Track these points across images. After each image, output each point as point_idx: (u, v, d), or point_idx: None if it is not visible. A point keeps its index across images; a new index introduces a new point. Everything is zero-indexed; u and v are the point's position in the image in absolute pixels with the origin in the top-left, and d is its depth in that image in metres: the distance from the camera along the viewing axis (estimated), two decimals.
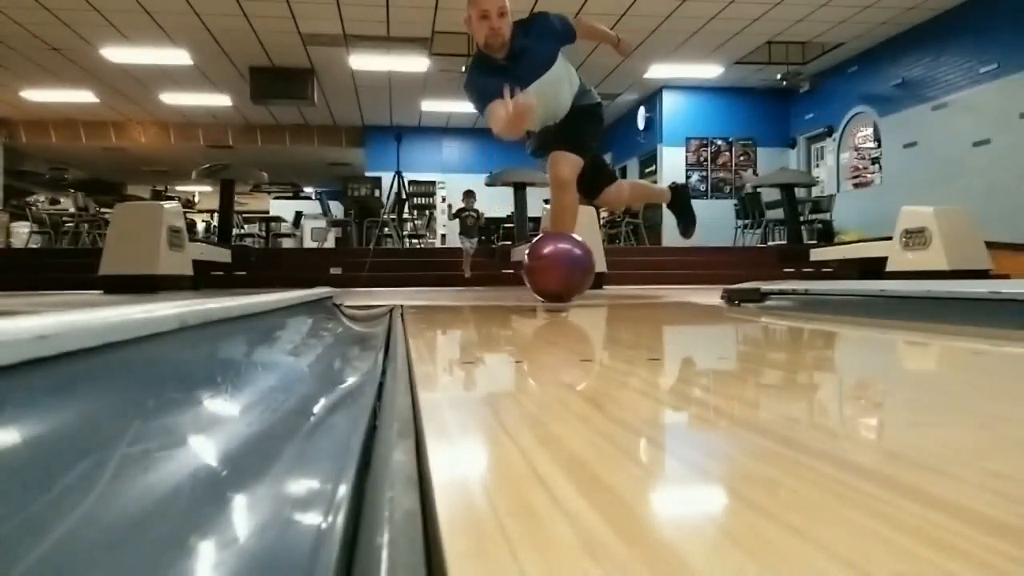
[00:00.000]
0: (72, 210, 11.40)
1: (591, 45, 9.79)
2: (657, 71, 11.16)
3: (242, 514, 0.36)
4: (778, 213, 9.16)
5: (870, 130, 10.36)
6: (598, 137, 3.44)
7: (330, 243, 12.39)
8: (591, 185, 3.54)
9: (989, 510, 0.33)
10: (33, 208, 11.52)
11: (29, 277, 7.30)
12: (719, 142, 12.34)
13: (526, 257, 2.79)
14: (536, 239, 2.85)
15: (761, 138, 12.39)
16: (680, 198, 3.91)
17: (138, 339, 0.45)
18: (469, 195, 8.83)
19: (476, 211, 8.65)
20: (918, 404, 0.70)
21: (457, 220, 8.67)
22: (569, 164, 3.16)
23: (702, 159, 12.23)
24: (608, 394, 0.76)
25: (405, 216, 11.75)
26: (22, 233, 11.92)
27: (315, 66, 10.83)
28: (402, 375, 0.82)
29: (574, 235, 2.93)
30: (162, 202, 6.50)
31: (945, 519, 0.31)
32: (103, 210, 11.03)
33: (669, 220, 11.92)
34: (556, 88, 3.13)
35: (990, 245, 5.43)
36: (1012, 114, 7.82)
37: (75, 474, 0.30)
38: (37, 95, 11.97)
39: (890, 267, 5.42)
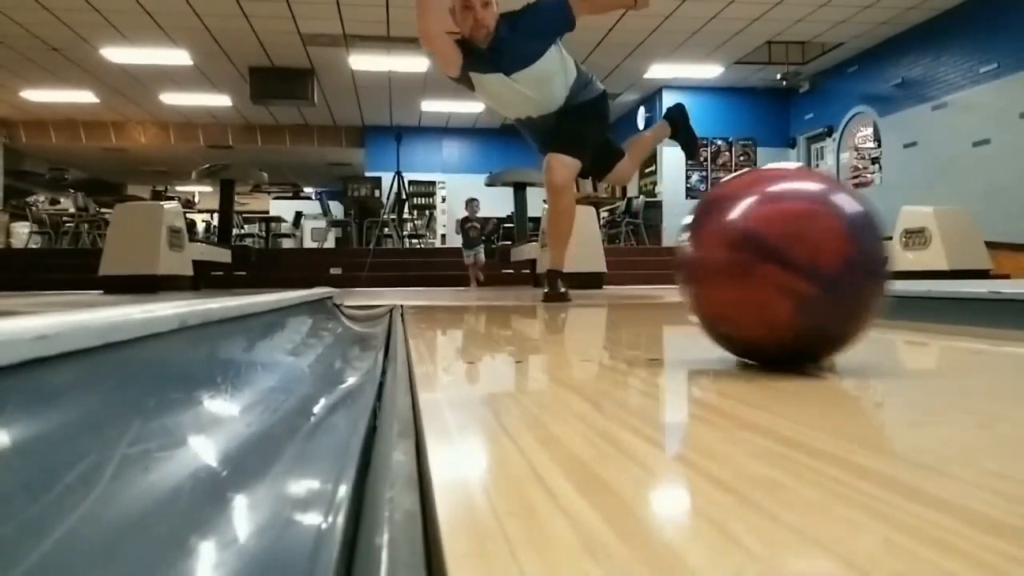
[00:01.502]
0: (72, 210, 11.40)
1: (590, 44, 9.80)
2: (657, 71, 11.16)
3: (242, 514, 0.36)
4: None
5: (870, 130, 10.36)
6: (602, 133, 3.36)
7: (330, 243, 12.38)
8: (604, 167, 3.50)
9: (989, 510, 0.33)
10: (33, 208, 11.52)
11: (29, 277, 7.30)
12: (719, 142, 12.33)
13: (697, 248, 0.83)
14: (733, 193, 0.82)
15: (761, 138, 12.38)
16: (680, 123, 3.75)
17: (138, 339, 0.45)
18: (472, 203, 8.10)
19: (480, 220, 8.04)
20: (918, 404, 0.70)
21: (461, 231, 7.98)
22: (565, 167, 3.09)
23: (702, 159, 12.21)
24: (608, 394, 0.76)
25: (405, 216, 11.75)
26: (22, 233, 11.93)
27: (315, 66, 10.82)
28: (402, 375, 0.82)
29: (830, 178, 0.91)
30: (162, 202, 6.50)
31: (945, 519, 0.31)
32: (103, 210, 11.03)
33: (669, 220, 12.08)
34: (546, 83, 3.05)
35: (990, 245, 5.43)
36: (1012, 114, 7.82)
37: (75, 474, 0.30)
38: (37, 95, 11.97)
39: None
